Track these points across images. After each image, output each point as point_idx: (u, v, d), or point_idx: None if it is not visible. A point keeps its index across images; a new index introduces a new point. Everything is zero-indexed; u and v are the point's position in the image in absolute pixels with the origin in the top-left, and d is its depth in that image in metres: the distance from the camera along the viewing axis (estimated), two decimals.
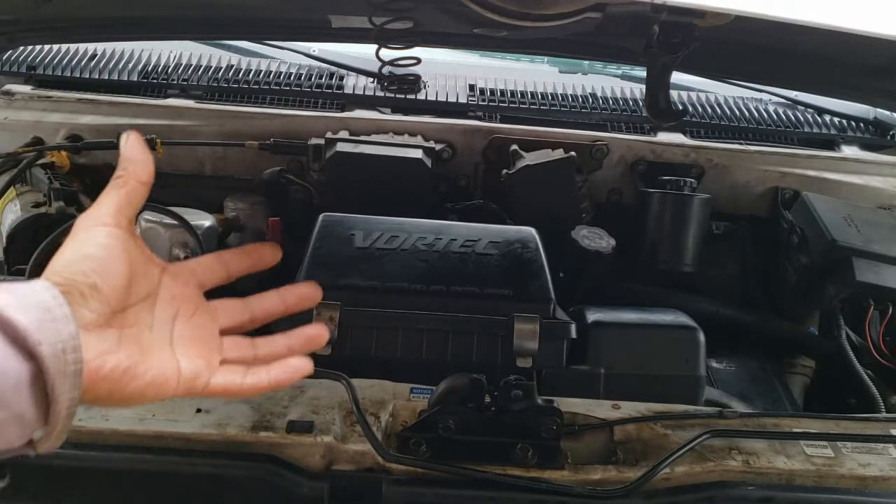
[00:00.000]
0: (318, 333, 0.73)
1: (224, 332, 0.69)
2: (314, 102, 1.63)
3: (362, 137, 1.47)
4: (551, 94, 1.71)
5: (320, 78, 1.69)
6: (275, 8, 1.30)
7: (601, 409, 0.95)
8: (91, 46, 1.67)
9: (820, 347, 1.38)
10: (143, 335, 0.61)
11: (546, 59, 2.01)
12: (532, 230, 1.22)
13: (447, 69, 1.76)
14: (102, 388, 0.57)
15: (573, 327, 1.09)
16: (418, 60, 1.35)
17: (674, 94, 1.67)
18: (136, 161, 0.67)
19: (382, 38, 1.19)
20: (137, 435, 0.84)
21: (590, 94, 1.73)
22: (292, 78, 1.68)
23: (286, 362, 0.68)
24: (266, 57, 1.77)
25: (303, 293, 0.76)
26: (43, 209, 1.35)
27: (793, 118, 1.75)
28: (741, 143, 1.65)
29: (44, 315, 0.51)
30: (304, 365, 0.69)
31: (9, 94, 1.54)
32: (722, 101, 1.77)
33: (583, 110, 1.67)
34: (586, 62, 1.97)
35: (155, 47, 1.71)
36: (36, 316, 0.50)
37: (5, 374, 0.49)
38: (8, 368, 0.49)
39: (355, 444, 0.86)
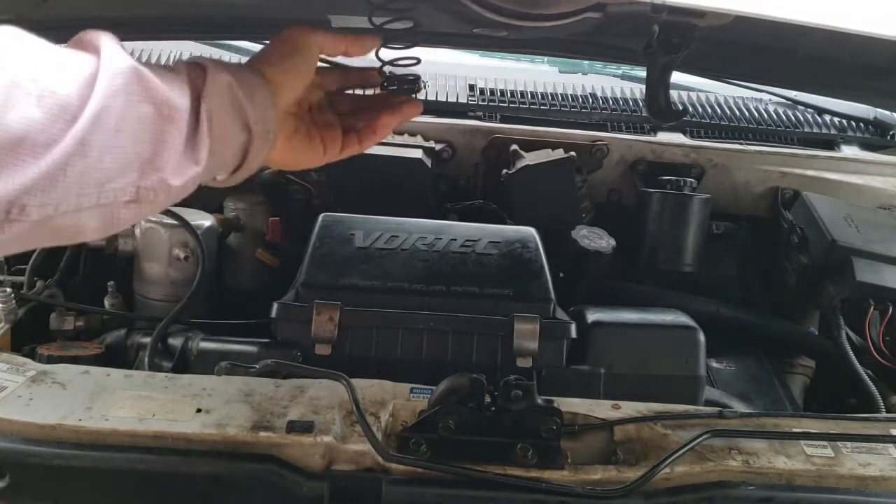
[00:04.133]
0: (413, 107, 1.03)
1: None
2: None
3: None
4: (551, 94, 1.71)
5: None
6: (275, 8, 1.30)
7: (601, 409, 0.95)
8: None
9: (820, 347, 1.38)
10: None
11: (546, 59, 2.01)
12: (532, 230, 1.22)
13: (447, 69, 1.76)
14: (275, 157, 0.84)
15: (573, 327, 1.09)
16: (418, 60, 1.34)
17: (674, 94, 1.67)
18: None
19: (382, 37, 1.19)
20: (137, 435, 0.84)
21: (590, 94, 1.73)
22: None
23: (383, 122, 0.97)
24: None
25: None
26: None
27: (793, 118, 1.75)
28: (741, 143, 1.65)
29: (266, 102, 0.74)
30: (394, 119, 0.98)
31: None
32: (722, 101, 1.77)
33: (583, 110, 1.67)
34: (586, 62, 1.97)
35: (155, 47, 1.70)
36: (258, 102, 0.73)
37: (232, 139, 0.71)
38: (235, 134, 0.71)
39: (355, 444, 0.86)
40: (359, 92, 1.03)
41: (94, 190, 0.57)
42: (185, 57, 1.67)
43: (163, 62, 1.66)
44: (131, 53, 0.62)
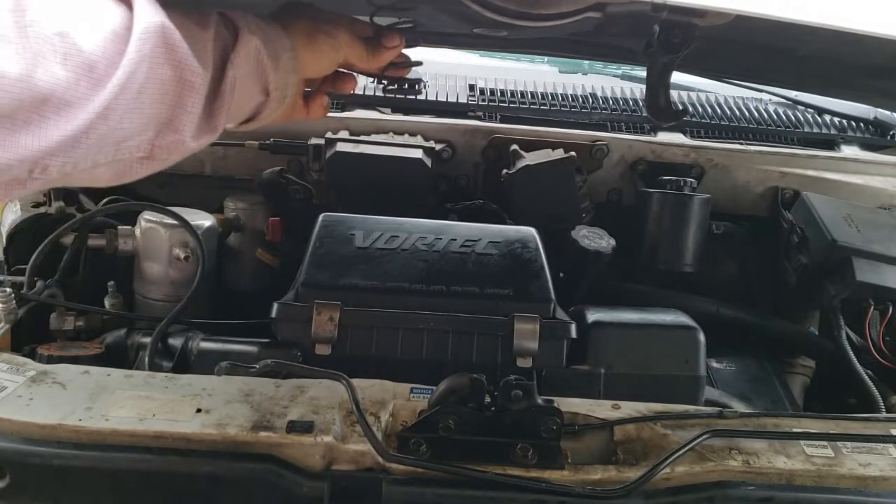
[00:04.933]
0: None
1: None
2: None
3: (362, 137, 1.47)
4: (551, 94, 1.71)
5: None
6: (275, 8, 1.30)
7: (601, 409, 0.95)
8: None
9: (820, 347, 1.38)
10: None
11: (546, 59, 2.02)
12: (532, 230, 1.22)
13: (447, 69, 1.76)
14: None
15: (573, 327, 1.09)
16: (419, 63, 1.34)
17: (674, 94, 1.67)
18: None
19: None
20: (137, 435, 0.84)
21: (590, 94, 1.73)
22: None
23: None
24: None
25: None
26: (43, 209, 1.35)
27: (793, 118, 1.75)
28: (741, 143, 1.65)
29: (288, 67, 0.77)
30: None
31: None
32: (722, 101, 1.78)
33: (583, 110, 1.67)
34: (586, 62, 1.97)
35: None
36: (281, 68, 0.76)
37: (249, 100, 0.74)
38: (253, 96, 0.74)
39: (355, 444, 0.86)
40: None
41: (112, 149, 0.59)
42: None
43: None
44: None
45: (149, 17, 0.58)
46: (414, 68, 1.17)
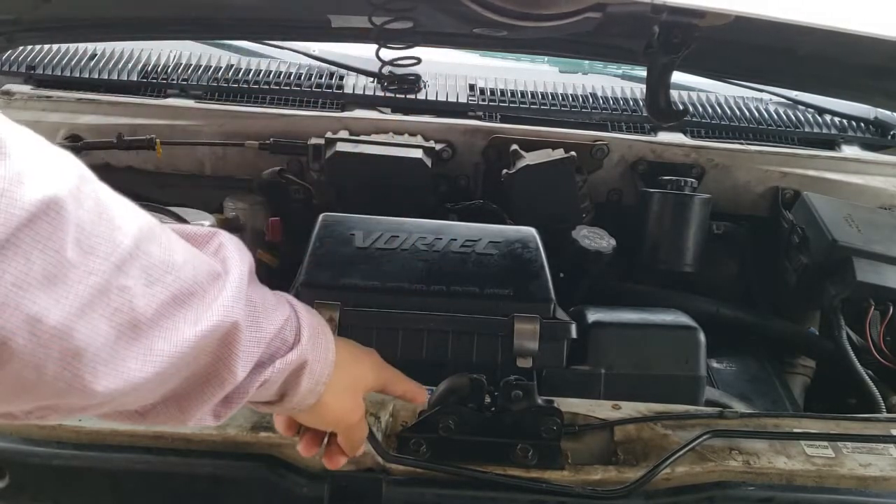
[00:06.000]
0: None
1: None
2: (314, 102, 1.63)
3: (362, 137, 1.47)
4: (551, 94, 1.71)
5: (320, 78, 1.69)
6: (275, 8, 1.30)
7: (601, 409, 0.95)
8: (91, 46, 1.67)
9: (820, 347, 1.38)
10: None
11: (546, 59, 2.01)
12: (532, 230, 1.22)
13: (447, 69, 1.76)
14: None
15: (573, 327, 1.09)
16: (418, 60, 1.35)
17: (674, 94, 1.66)
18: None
19: (382, 38, 1.19)
20: (137, 435, 0.84)
21: (590, 94, 1.73)
22: (292, 78, 1.68)
23: None
24: (266, 57, 1.77)
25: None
26: None
27: (793, 118, 1.75)
28: (741, 143, 1.65)
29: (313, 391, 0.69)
30: None
31: (8, 94, 1.54)
32: (722, 101, 1.77)
33: (583, 110, 1.67)
34: (586, 62, 1.97)
35: (155, 47, 1.71)
36: (326, 361, 0.69)
37: (286, 370, 0.65)
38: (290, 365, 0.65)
39: None
40: None
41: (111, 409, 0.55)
42: (185, 57, 1.69)
43: (163, 62, 1.66)
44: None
45: (226, 306, 0.55)
46: (414, 67, 1.17)
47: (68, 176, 0.46)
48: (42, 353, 0.44)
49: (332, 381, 0.69)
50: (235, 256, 0.59)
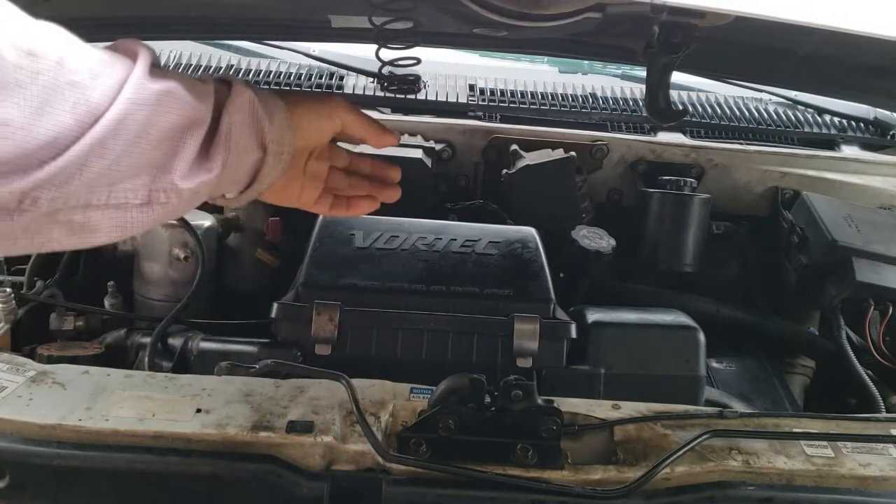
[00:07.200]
0: (393, 192, 0.98)
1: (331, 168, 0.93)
2: None
3: None
4: (551, 94, 1.71)
5: (320, 78, 1.69)
6: (275, 8, 1.30)
7: (601, 409, 0.95)
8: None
9: (820, 347, 1.38)
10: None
11: (546, 59, 2.01)
12: (532, 230, 1.22)
13: (447, 69, 1.76)
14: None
15: (573, 327, 1.09)
16: (418, 60, 1.34)
17: (674, 94, 1.67)
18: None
19: (382, 38, 1.19)
20: (137, 435, 0.84)
21: (590, 94, 1.73)
22: (292, 78, 1.68)
23: (359, 203, 0.96)
24: (266, 57, 1.77)
25: (390, 170, 0.98)
26: None
27: (793, 118, 1.75)
28: (741, 143, 1.65)
29: (284, 124, 0.77)
30: (373, 205, 0.97)
31: None
32: (722, 101, 1.77)
33: (583, 110, 1.67)
34: (586, 62, 1.97)
35: (155, 47, 1.70)
36: (277, 123, 0.75)
37: (247, 154, 0.73)
38: (251, 150, 0.73)
39: (355, 444, 0.86)
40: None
41: (105, 190, 0.59)
42: (185, 57, 1.69)
43: (163, 62, 1.67)
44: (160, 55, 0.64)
45: (147, 67, 0.61)
46: (414, 67, 1.17)
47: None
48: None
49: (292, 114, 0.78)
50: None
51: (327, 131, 0.86)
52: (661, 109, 1.10)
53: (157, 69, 0.63)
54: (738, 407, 1.16)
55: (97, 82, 0.57)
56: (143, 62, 0.61)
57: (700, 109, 1.73)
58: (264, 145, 0.74)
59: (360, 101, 1.62)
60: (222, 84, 0.72)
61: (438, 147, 1.51)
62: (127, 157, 0.59)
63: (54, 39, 0.56)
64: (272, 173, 0.77)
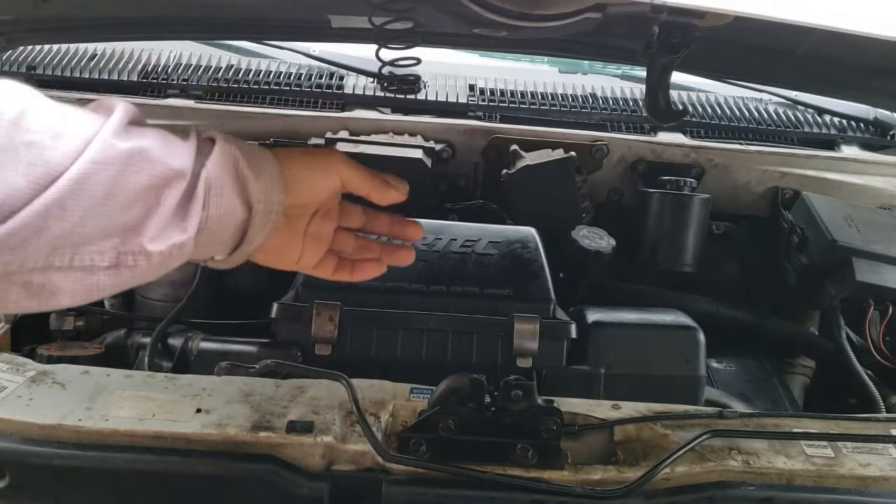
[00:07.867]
0: (406, 254, 0.92)
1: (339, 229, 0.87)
2: (314, 102, 1.63)
3: (362, 137, 1.47)
4: (551, 94, 1.71)
5: (320, 78, 1.69)
6: (275, 8, 1.30)
7: (601, 409, 0.95)
8: (91, 46, 1.67)
9: (820, 347, 1.38)
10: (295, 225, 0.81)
11: (546, 59, 2.01)
12: (532, 230, 1.22)
13: (447, 69, 1.76)
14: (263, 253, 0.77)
15: (573, 327, 1.09)
16: (418, 60, 1.34)
17: (674, 94, 1.67)
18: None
19: (382, 38, 1.19)
20: (137, 435, 0.84)
21: (590, 94, 1.73)
22: (292, 78, 1.68)
23: (365, 266, 0.89)
24: (266, 57, 1.77)
25: (409, 229, 0.92)
26: None
27: (793, 118, 1.75)
28: (741, 143, 1.65)
29: (272, 183, 0.71)
30: (380, 269, 0.90)
31: None
32: (722, 101, 1.77)
33: (583, 110, 1.67)
34: (586, 62, 1.97)
35: (155, 47, 1.71)
36: (264, 179, 0.70)
37: (231, 215, 0.68)
38: (234, 209, 0.68)
39: (355, 444, 0.86)
40: None
41: (69, 251, 0.57)
42: (185, 57, 1.69)
43: (163, 62, 1.66)
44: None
45: (118, 125, 0.58)
46: (414, 67, 1.17)
47: None
48: None
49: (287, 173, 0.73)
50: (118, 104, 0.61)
51: (323, 188, 0.79)
52: (661, 109, 1.10)
53: (135, 127, 0.60)
54: (738, 407, 1.16)
55: (59, 142, 0.54)
56: (115, 120, 0.58)
57: (700, 109, 1.73)
58: (250, 204, 0.68)
59: (360, 102, 1.62)
60: (206, 141, 0.67)
61: (438, 147, 1.51)
62: (92, 219, 0.56)
63: (13, 97, 0.54)
64: (260, 234, 0.71)
